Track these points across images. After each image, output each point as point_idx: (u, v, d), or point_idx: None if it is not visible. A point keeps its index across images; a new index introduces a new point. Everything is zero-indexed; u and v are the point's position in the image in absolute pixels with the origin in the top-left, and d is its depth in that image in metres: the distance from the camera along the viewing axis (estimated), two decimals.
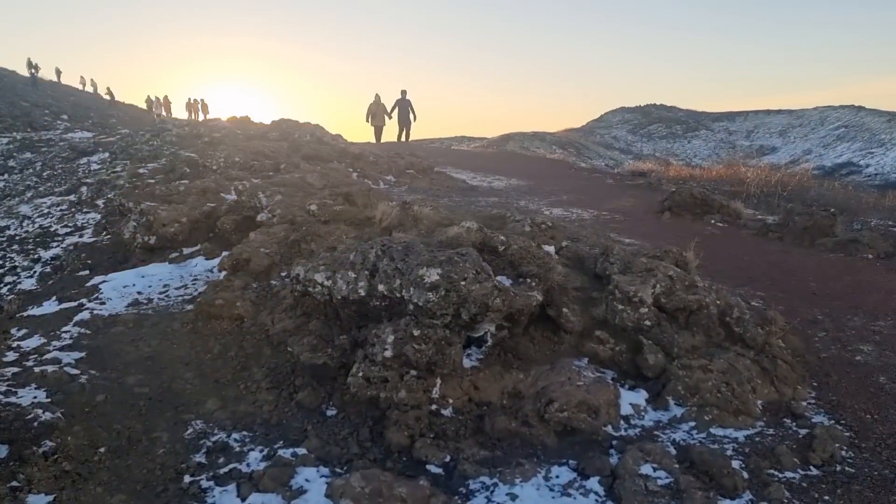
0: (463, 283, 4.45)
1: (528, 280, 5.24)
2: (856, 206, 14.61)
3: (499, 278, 5.22)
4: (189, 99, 43.59)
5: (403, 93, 23.57)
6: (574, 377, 4.66)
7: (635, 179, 17.06)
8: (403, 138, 24.37)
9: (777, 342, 5.35)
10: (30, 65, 43.05)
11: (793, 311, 6.47)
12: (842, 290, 7.05)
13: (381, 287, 4.65)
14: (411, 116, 23.74)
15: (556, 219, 10.26)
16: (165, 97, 45.49)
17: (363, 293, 4.76)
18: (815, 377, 5.22)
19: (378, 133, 24.32)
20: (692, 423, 4.49)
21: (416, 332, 4.40)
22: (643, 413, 4.65)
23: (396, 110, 23.51)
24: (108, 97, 48.86)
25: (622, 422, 4.52)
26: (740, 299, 6.56)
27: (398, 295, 4.56)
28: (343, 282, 4.84)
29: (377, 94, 23.80)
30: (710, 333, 5.27)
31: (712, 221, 9.68)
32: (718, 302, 5.50)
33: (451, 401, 4.56)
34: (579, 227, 8.88)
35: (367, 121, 24.10)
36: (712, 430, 4.43)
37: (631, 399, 4.74)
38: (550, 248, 6.10)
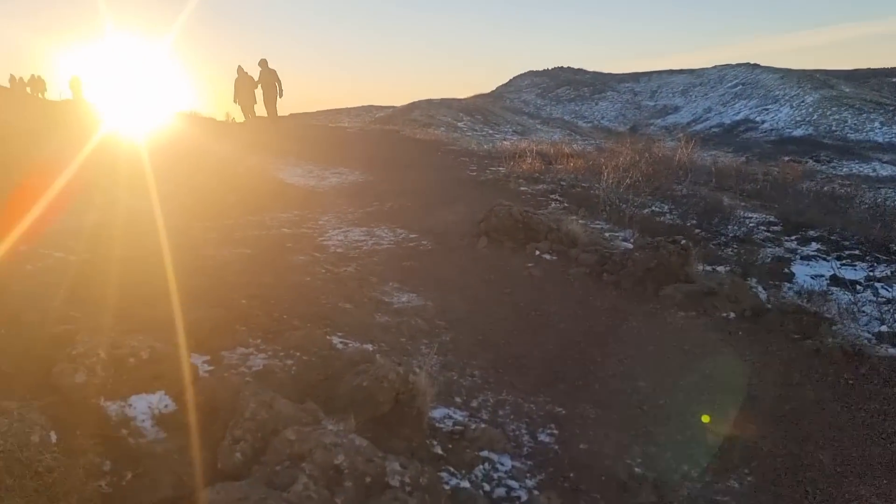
0: None
1: None
2: (730, 201, 12.29)
3: None
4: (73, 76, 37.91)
5: (264, 63, 19.59)
6: None
7: (497, 166, 14.38)
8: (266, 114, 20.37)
9: None
10: None
11: (592, 464, 3.78)
12: (684, 398, 4.42)
13: None
14: (277, 90, 19.83)
15: (344, 246, 7.43)
16: (39, 77, 39.09)
17: None
18: None
19: (246, 111, 20.27)
20: None
21: None
22: None
23: (260, 87, 19.59)
24: None
25: None
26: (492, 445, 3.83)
27: None
28: None
29: (240, 67, 19.73)
30: None
31: (537, 253, 6.96)
32: None
33: None
34: (338, 280, 5.99)
35: (235, 101, 20.01)
36: None
37: None
38: (148, 402, 3.19)
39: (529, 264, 6.73)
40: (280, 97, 19.68)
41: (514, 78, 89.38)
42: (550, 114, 76.49)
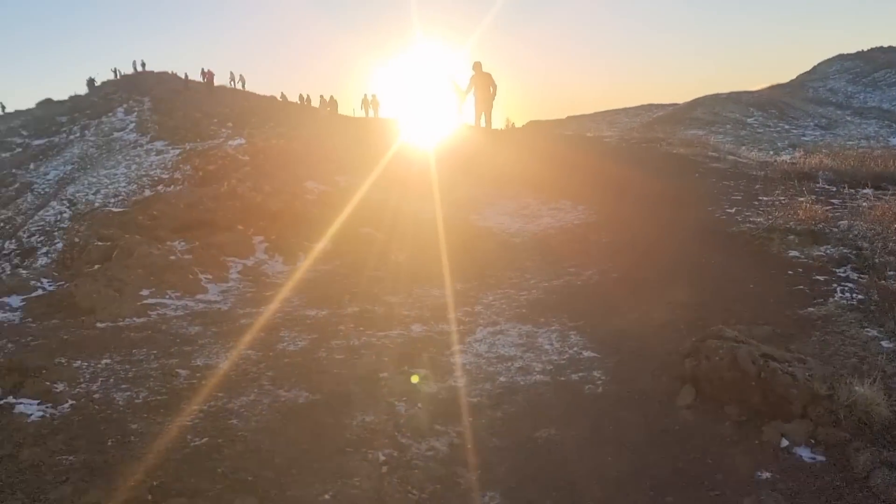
0: None
1: None
2: None
3: None
4: (365, 95, 41.22)
5: (478, 66, 17.00)
6: None
7: (771, 194, 10.34)
8: (483, 123, 17.81)
9: None
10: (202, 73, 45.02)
11: None
12: None
13: None
14: (492, 94, 17.16)
15: (472, 374, 4.79)
16: (374, 97, 42.15)
17: None
18: None
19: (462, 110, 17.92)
20: None
21: None
22: None
23: (473, 91, 17.15)
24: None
25: None
26: None
27: None
28: None
29: (478, 63, 17.19)
30: None
31: (784, 444, 3.50)
32: None
33: None
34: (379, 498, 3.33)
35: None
36: None
37: None
38: None
39: (764, 475, 3.36)
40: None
41: (818, 64, 76.16)
42: (864, 102, 63.53)
